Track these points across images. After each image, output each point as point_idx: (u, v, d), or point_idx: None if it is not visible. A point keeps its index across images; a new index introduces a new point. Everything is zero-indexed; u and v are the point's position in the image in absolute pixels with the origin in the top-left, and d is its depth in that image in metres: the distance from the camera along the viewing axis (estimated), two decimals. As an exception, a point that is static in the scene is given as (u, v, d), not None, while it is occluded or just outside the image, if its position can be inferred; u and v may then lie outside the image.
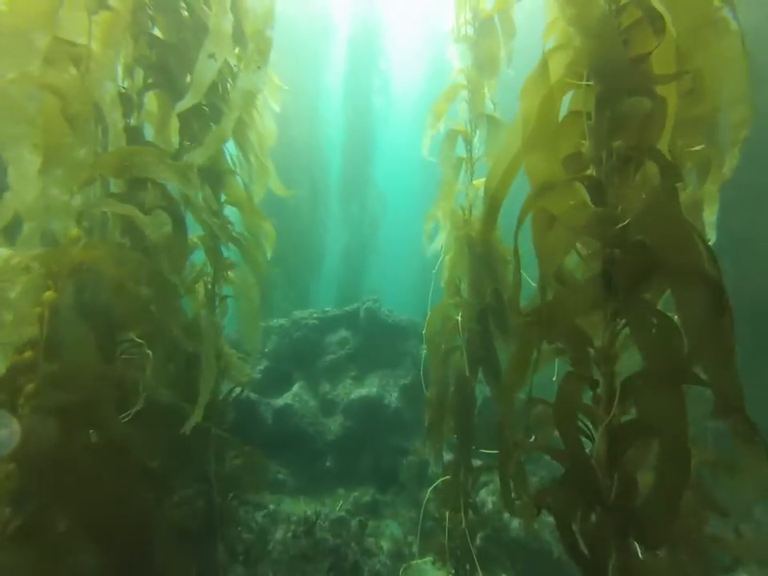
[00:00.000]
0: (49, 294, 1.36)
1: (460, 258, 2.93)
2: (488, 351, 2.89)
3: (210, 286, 3.49)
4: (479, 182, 3.03)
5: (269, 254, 3.40)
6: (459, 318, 2.90)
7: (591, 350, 1.32)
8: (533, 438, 1.66)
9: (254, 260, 3.10)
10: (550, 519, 2.00)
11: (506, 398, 1.59)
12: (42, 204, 1.41)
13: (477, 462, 3.16)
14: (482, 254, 2.46)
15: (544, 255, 1.37)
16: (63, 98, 1.46)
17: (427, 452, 3.30)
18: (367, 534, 4.59)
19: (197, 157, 1.99)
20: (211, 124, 2.80)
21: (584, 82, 1.35)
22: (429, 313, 3.28)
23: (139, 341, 1.92)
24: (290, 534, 3.95)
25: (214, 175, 2.99)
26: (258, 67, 2.05)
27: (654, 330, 1.09)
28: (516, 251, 1.53)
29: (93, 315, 1.56)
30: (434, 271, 3.26)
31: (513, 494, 1.78)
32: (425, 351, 3.42)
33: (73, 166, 1.43)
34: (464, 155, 3.09)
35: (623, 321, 1.27)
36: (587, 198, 1.35)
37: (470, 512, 3.14)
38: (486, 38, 2.97)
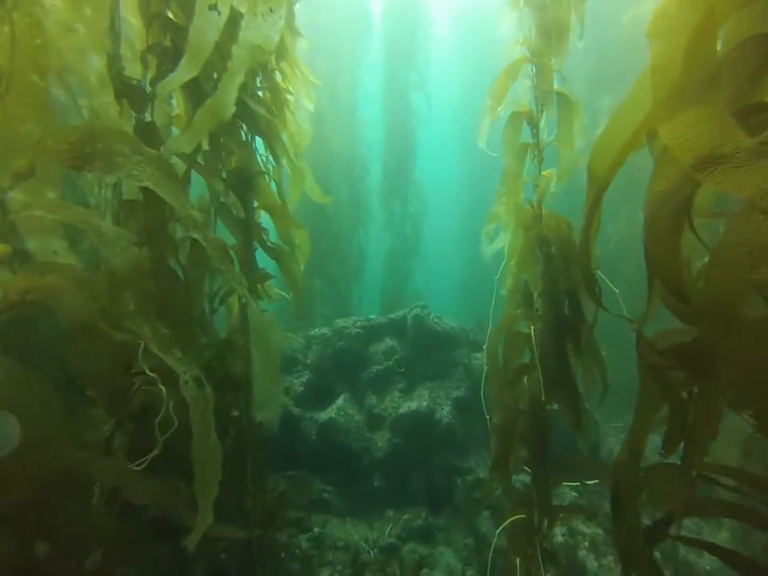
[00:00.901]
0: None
1: (529, 262, 2.48)
2: (566, 373, 2.44)
3: (244, 300, 3.21)
4: (549, 172, 2.58)
5: (302, 266, 3.03)
6: (532, 333, 2.45)
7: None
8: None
9: (290, 271, 2.75)
10: None
11: (631, 466, 1.12)
12: None
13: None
14: (573, 257, 1.99)
15: (718, 263, 0.90)
16: None
17: (493, 485, 2.85)
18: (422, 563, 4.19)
19: (184, 142, 1.61)
20: (238, 120, 2.49)
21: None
22: (491, 325, 2.85)
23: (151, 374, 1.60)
24: (336, 576, 3.56)
25: (244, 179, 2.67)
26: (271, 10, 1.59)
27: None
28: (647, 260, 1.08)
29: (43, 373, 1.22)
30: (495, 277, 2.82)
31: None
32: (485, 367, 2.99)
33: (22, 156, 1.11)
34: (530, 141, 2.64)
35: None
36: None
37: (547, 559, 2.68)
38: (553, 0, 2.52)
